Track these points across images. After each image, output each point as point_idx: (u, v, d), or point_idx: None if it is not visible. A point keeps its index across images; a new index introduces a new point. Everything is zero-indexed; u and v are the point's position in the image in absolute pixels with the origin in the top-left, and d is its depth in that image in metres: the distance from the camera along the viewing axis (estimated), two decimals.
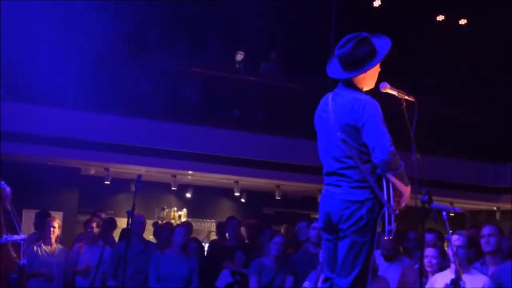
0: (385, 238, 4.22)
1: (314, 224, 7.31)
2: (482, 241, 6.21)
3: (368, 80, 4.36)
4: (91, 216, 9.22)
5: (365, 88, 4.36)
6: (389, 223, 4.10)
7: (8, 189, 5.31)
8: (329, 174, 4.32)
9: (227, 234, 9.41)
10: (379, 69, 4.41)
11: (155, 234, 9.75)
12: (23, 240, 5.24)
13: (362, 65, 4.27)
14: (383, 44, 4.33)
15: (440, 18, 13.08)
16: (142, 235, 8.43)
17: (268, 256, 7.58)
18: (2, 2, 8.78)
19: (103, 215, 9.87)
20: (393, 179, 4.11)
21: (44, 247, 7.94)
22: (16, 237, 5.17)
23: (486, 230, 6.23)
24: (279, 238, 7.62)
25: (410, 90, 4.53)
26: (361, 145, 4.17)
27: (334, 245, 4.31)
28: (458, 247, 5.87)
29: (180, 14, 11.28)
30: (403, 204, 4.21)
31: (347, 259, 4.15)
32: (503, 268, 6.06)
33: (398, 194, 4.17)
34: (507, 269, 5.99)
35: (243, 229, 10.02)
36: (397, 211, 4.15)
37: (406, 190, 4.19)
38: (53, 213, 9.08)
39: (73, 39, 10.05)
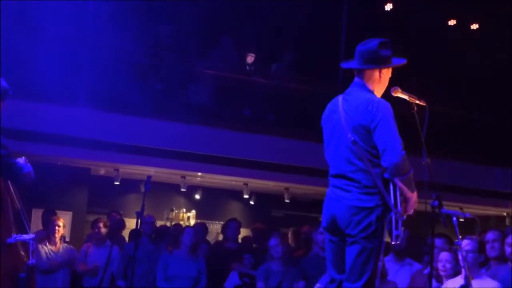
0: (392, 243, 4.20)
1: (321, 229, 7.27)
2: (487, 246, 6.27)
3: (381, 82, 4.38)
4: (106, 216, 9.24)
5: (376, 92, 4.35)
6: (396, 228, 4.08)
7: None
8: (337, 176, 4.30)
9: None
10: (390, 75, 4.43)
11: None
12: (32, 239, 5.24)
13: (380, 63, 4.31)
14: (398, 59, 4.43)
15: (452, 22, 13.02)
16: (152, 235, 8.43)
17: (273, 261, 7.57)
18: None
19: (118, 217, 9.88)
20: (400, 184, 4.09)
21: (49, 246, 7.96)
22: (25, 236, 5.15)
23: (490, 236, 6.31)
24: (274, 240, 7.61)
25: (420, 94, 4.52)
26: (372, 147, 4.15)
27: (338, 246, 4.31)
28: (468, 251, 5.87)
29: (191, 15, 11.26)
30: (411, 211, 4.19)
31: (357, 265, 4.15)
32: (501, 268, 6.12)
33: (404, 200, 4.14)
34: (506, 269, 6.01)
35: (250, 232, 10.01)
36: (404, 216, 4.14)
37: (412, 196, 4.16)
38: (62, 213, 9.12)
39: (85, 37, 10.06)
